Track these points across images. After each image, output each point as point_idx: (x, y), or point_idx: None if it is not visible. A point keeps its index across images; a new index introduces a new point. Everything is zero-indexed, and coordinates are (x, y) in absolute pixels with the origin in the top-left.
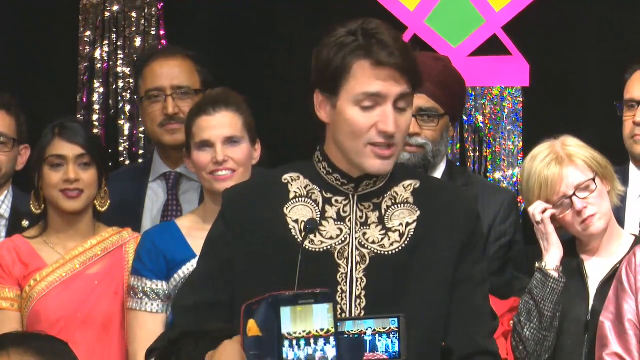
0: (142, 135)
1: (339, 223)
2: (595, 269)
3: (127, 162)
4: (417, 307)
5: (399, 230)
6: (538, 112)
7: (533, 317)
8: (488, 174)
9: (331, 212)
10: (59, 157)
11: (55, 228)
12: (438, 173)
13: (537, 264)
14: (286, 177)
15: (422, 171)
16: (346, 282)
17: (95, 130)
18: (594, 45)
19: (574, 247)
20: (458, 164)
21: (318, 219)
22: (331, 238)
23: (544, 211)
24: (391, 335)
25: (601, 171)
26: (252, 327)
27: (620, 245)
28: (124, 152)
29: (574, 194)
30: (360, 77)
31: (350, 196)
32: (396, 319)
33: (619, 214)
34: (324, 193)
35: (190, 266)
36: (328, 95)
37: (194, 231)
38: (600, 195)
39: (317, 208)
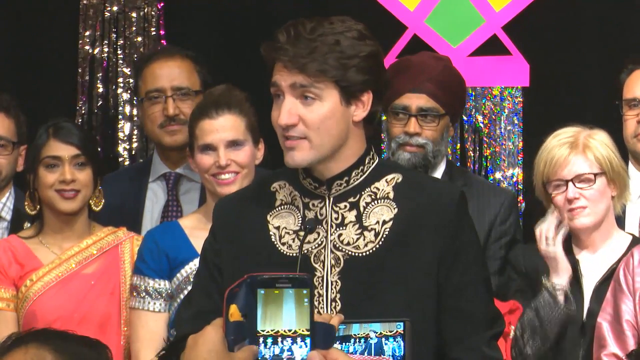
0: (143, 135)
1: (317, 227)
2: (591, 269)
3: (127, 162)
4: (392, 310)
5: (375, 229)
6: (538, 112)
7: (537, 335)
8: (488, 174)
9: (310, 216)
10: (55, 157)
11: (51, 228)
12: (438, 173)
13: (544, 281)
14: (274, 185)
15: (406, 166)
16: (322, 285)
17: (94, 131)
18: (594, 45)
19: (570, 246)
20: (458, 164)
21: (299, 224)
22: (308, 242)
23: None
24: (398, 339)
25: (611, 174)
26: (234, 312)
27: (617, 245)
28: (124, 152)
29: (572, 180)
30: (273, 70)
31: (326, 198)
32: (402, 323)
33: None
34: (303, 198)
35: (192, 265)
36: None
37: (197, 231)
38: (598, 194)
39: (298, 214)
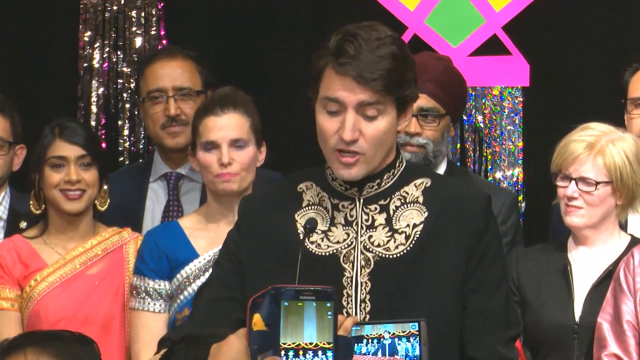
0: (143, 135)
1: (346, 228)
2: (585, 270)
3: (127, 162)
4: (422, 311)
5: (405, 232)
6: (538, 112)
7: None
8: (488, 174)
9: (339, 217)
10: (60, 158)
11: (55, 228)
12: (438, 173)
13: None
14: (301, 186)
15: (433, 169)
16: (351, 286)
17: (95, 131)
18: (594, 45)
19: (565, 248)
20: (458, 164)
21: (328, 225)
22: (337, 242)
23: None
24: (411, 339)
25: (618, 184)
26: (258, 322)
27: (615, 246)
28: (124, 152)
29: (575, 180)
30: (327, 82)
31: (356, 200)
32: (417, 324)
33: None
34: (332, 199)
35: (192, 266)
36: (313, 99)
37: (197, 231)
38: (598, 200)
39: (327, 215)
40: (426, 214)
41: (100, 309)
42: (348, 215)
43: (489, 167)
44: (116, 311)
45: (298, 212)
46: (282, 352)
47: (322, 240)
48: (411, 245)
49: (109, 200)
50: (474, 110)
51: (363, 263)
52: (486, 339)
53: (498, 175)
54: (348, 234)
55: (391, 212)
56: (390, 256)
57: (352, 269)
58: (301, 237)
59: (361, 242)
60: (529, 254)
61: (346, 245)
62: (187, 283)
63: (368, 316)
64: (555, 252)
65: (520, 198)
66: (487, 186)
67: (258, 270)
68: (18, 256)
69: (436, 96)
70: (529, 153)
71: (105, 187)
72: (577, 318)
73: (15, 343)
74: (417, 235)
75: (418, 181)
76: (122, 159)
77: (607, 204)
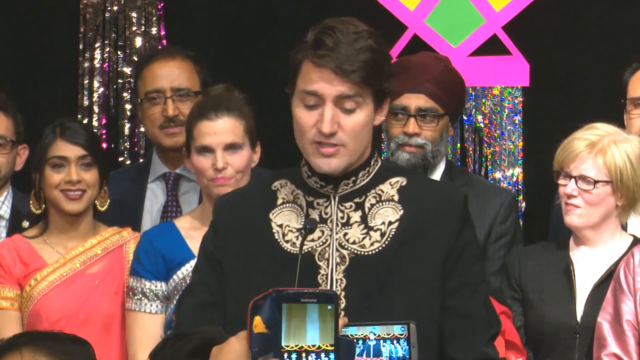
0: (143, 135)
1: (321, 225)
2: (587, 270)
3: (128, 162)
4: (398, 309)
5: (381, 230)
6: (538, 112)
7: None
8: (488, 174)
9: (314, 215)
10: (61, 158)
11: (55, 228)
12: (437, 173)
13: None
14: (275, 184)
15: (409, 168)
16: (327, 283)
17: (95, 131)
18: (594, 45)
19: (566, 247)
20: (458, 164)
21: (303, 223)
22: (312, 240)
23: None
24: (394, 342)
25: (618, 184)
26: (258, 324)
27: (617, 246)
28: (125, 152)
29: (575, 177)
30: (305, 76)
31: (331, 197)
32: (405, 326)
33: None
34: (306, 197)
35: (189, 267)
36: (290, 94)
37: (193, 232)
38: (597, 199)
39: (301, 212)
40: (402, 212)
41: (100, 308)
42: (323, 212)
43: (489, 167)
44: (116, 311)
45: (272, 211)
46: (285, 355)
47: (297, 239)
48: (386, 243)
49: (109, 201)
50: (474, 110)
51: (338, 260)
52: (469, 339)
53: (498, 175)
54: (323, 232)
55: (366, 209)
56: (366, 253)
57: (327, 267)
58: (276, 237)
59: (336, 239)
60: (530, 253)
61: (321, 243)
62: (183, 284)
63: (343, 313)
64: (557, 251)
65: (521, 198)
66: (487, 186)
67: (236, 271)
68: (18, 255)
69: (435, 96)
70: (529, 153)
71: (106, 187)
72: (578, 318)
73: (11, 343)
74: (393, 233)
75: (393, 180)
76: (122, 159)
77: (607, 204)
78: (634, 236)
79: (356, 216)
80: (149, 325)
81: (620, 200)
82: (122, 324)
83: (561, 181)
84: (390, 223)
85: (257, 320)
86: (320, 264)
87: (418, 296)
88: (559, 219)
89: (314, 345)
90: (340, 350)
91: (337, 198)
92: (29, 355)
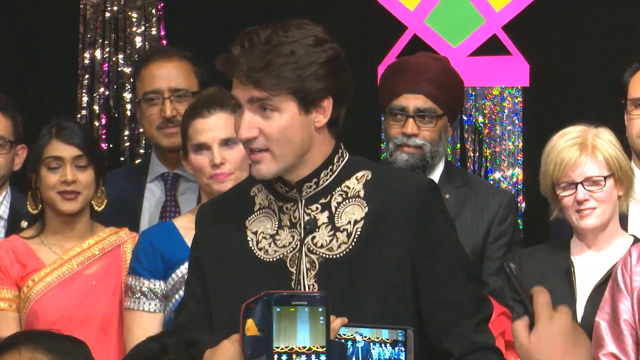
0: (143, 135)
1: (291, 230)
2: (588, 271)
3: (128, 162)
4: (369, 311)
5: (347, 230)
6: (538, 112)
7: None
8: (488, 174)
9: (285, 220)
10: (56, 158)
11: (52, 228)
12: (436, 173)
13: None
14: (254, 189)
15: (374, 162)
16: (299, 289)
17: (96, 131)
18: (594, 45)
19: (567, 249)
20: (458, 164)
21: (276, 228)
22: (284, 246)
23: None
24: (383, 346)
25: (619, 174)
26: (251, 327)
27: (619, 247)
28: (125, 152)
29: (582, 183)
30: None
31: (298, 200)
32: (403, 332)
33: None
34: (277, 202)
35: (187, 265)
36: None
37: (191, 231)
38: (607, 195)
39: (275, 217)
40: (367, 208)
41: (98, 308)
42: (292, 217)
43: (489, 167)
44: (114, 311)
45: (249, 218)
46: (275, 356)
47: (270, 246)
48: (353, 244)
49: (106, 201)
50: (474, 110)
51: (308, 266)
52: (458, 330)
53: (498, 175)
54: (293, 237)
55: (333, 209)
56: (334, 256)
57: (299, 273)
58: (250, 246)
59: (305, 244)
60: (532, 254)
61: (292, 249)
62: (182, 283)
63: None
64: (558, 253)
65: (520, 198)
66: (486, 186)
67: (214, 282)
68: (15, 256)
69: (433, 97)
70: (529, 153)
71: (103, 187)
72: (579, 319)
73: (10, 341)
74: (359, 232)
75: (359, 174)
76: (122, 159)
77: (613, 197)
78: (634, 236)
79: (323, 217)
80: (148, 324)
81: (621, 189)
82: (120, 325)
83: (564, 193)
84: (355, 222)
85: (250, 323)
86: (292, 270)
87: (388, 297)
88: (559, 220)
89: (304, 347)
90: (332, 351)
91: (303, 201)
92: (27, 353)
